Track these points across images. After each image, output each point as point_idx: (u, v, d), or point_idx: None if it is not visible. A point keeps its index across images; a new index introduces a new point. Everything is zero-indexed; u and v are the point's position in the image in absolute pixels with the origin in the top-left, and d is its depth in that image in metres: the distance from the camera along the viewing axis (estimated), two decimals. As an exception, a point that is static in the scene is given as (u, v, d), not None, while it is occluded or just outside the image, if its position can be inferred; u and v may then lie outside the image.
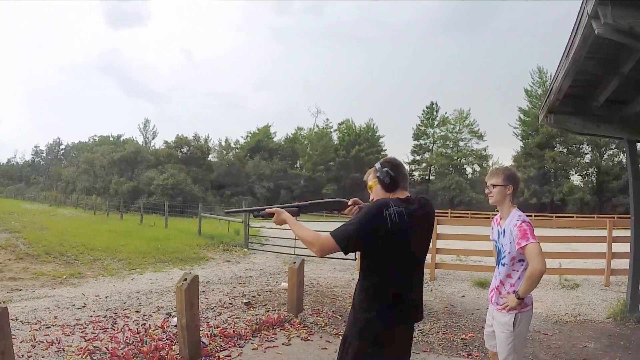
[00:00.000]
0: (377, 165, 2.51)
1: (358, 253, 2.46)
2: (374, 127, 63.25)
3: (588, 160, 51.10)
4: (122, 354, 4.44)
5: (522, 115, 53.95)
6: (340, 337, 2.36)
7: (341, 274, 10.60)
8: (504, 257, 3.20)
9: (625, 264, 7.52)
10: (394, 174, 2.43)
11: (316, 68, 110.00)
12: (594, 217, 31.25)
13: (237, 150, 63.28)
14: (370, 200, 2.56)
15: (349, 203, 2.78)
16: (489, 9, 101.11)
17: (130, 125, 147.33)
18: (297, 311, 6.37)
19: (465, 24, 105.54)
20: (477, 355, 5.08)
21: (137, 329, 5.43)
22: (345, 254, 2.31)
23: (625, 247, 7.27)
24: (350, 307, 2.49)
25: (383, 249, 2.26)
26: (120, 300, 7.01)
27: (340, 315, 6.49)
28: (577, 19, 3.91)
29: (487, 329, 3.50)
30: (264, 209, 2.67)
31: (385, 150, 62.76)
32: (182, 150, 55.01)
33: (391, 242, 2.25)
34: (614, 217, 22.87)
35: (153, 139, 70.02)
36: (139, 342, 4.87)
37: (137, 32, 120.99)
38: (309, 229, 2.40)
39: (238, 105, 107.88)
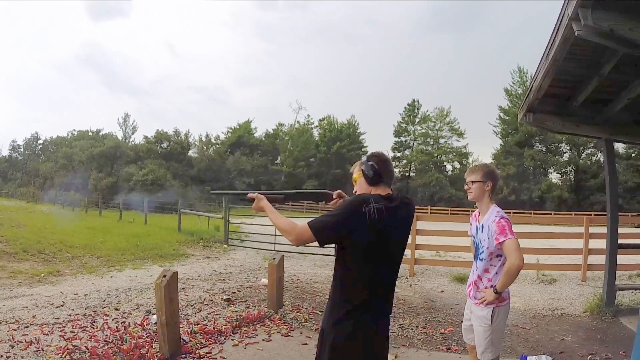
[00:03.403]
0: (364, 158, 2.50)
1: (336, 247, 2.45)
2: (356, 124, 63.48)
3: (566, 159, 51.93)
4: (102, 352, 4.39)
5: (502, 114, 54.60)
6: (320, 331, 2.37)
7: (321, 269, 10.62)
8: (482, 252, 3.24)
9: (601, 259, 7.68)
10: (378, 169, 2.42)
11: (300, 64, 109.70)
12: (571, 215, 31.66)
13: (217, 145, 62.83)
14: (353, 192, 2.56)
15: (334, 196, 2.77)
16: (474, 10, 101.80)
17: (110, 120, 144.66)
18: (277, 307, 6.37)
19: (450, 24, 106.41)
20: (456, 349, 5.15)
21: (116, 327, 5.37)
22: (321, 245, 2.29)
23: (602, 244, 7.42)
24: None
25: (359, 244, 2.25)
26: (99, 298, 6.93)
27: (320, 311, 6.49)
28: (557, 20, 3.95)
29: (465, 323, 3.55)
30: (247, 194, 2.65)
31: (367, 146, 63.12)
32: (162, 145, 54.71)
33: (368, 238, 2.24)
34: (591, 215, 23.30)
35: (133, 134, 69.15)
36: (119, 340, 4.81)
37: (119, 25, 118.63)
38: (286, 218, 2.39)
39: (221, 101, 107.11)
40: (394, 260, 2.45)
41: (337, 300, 2.37)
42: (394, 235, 2.36)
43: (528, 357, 4.78)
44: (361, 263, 2.29)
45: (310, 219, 2.28)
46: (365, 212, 2.21)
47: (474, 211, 3.55)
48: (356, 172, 2.54)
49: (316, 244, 2.29)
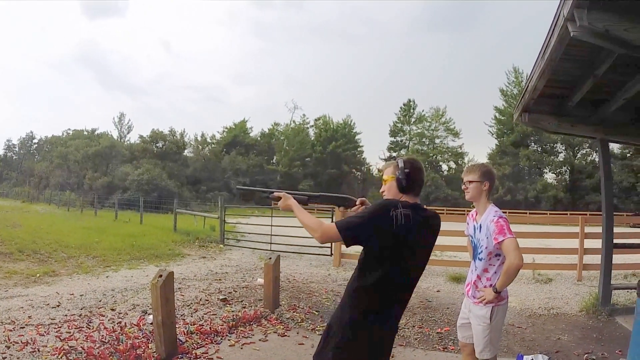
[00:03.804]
0: (400, 162, 2.45)
1: (341, 248, 2.44)
2: (351, 124, 63.57)
3: (562, 159, 52.15)
4: (98, 353, 4.37)
5: (497, 114, 54.80)
6: (317, 333, 2.34)
7: (317, 269, 10.61)
8: (481, 252, 3.27)
9: (597, 259, 7.73)
10: (413, 178, 2.42)
11: (297, 63, 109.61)
12: (567, 214, 31.75)
13: (213, 145, 62.76)
14: (380, 192, 2.57)
15: (357, 202, 2.77)
16: (470, 10, 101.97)
17: (106, 119, 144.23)
18: (274, 307, 6.37)
19: (446, 24, 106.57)
20: (452, 349, 5.16)
21: (112, 327, 5.35)
22: (347, 245, 2.29)
23: (597, 243, 7.47)
24: (326, 302, 2.49)
25: (382, 248, 2.26)
26: (95, 299, 6.91)
27: (316, 311, 6.51)
28: (553, 21, 3.96)
29: (460, 321, 3.57)
30: (273, 192, 2.67)
31: (362, 146, 63.42)
32: (157, 144, 54.56)
33: (392, 242, 2.24)
34: (586, 214, 23.36)
35: (128, 133, 69.33)
36: (115, 340, 4.80)
37: (116, 24, 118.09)
38: (313, 216, 2.39)
39: (217, 100, 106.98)
40: (414, 268, 2.46)
41: (349, 301, 2.37)
42: (416, 243, 2.36)
43: (524, 357, 4.80)
44: (380, 267, 2.30)
45: (338, 220, 2.30)
46: (393, 216, 2.22)
47: (470, 211, 3.57)
48: (389, 174, 2.52)
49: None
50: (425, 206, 2.51)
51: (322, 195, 2.85)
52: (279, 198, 2.60)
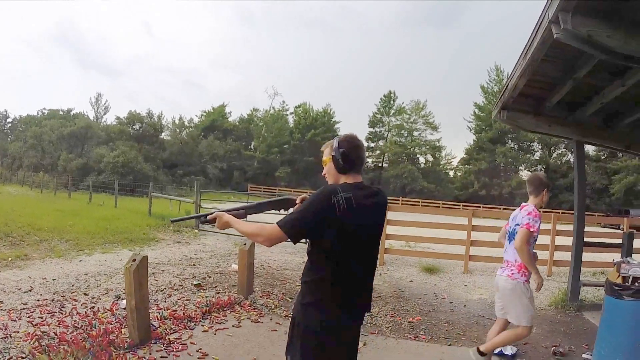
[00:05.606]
0: (335, 142, 2.39)
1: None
2: (331, 112, 63.27)
3: (537, 158, 53.13)
4: (70, 338, 4.33)
5: (477, 110, 55.37)
6: (290, 319, 2.32)
7: (292, 256, 10.63)
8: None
9: (567, 255, 7.88)
10: (350, 157, 2.34)
11: (279, 50, 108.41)
12: (540, 212, 32.35)
13: (191, 129, 61.84)
14: (322, 174, 2.49)
15: (297, 201, 2.68)
16: (457, 6, 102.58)
17: (82, 99, 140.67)
18: (248, 293, 6.39)
19: (430, 19, 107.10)
20: (423, 338, 5.29)
21: (85, 312, 5.30)
22: (294, 242, 2.26)
23: (568, 241, 7.62)
24: (299, 289, 2.45)
25: (330, 236, 2.19)
26: (68, 283, 6.81)
27: (290, 298, 6.58)
28: (537, 23, 4.02)
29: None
30: (207, 215, 2.61)
31: (341, 135, 62.90)
32: (134, 127, 53.59)
33: (339, 229, 2.18)
34: (559, 213, 23.80)
35: (105, 114, 67.66)
36: (88, 325, 4.77)
37: (95, 2, 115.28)
38: (253, 223, 2.34)
39: (196, 84, 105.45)
40: (367, 252, 2.39)
41: (307, 293, 2.33)
42: (365, 225, 2.30)
43: (494, 348, 4.89)
44: (331, 255, 2.25)
45: (280, 219, 2.24)
46: (334, 203, 2.16)
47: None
48: (326, 154, 2.46)
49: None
50: (371, 185, 2.45)
51: (259, 203, 2.76)
52: (215, 219, 2.54)
